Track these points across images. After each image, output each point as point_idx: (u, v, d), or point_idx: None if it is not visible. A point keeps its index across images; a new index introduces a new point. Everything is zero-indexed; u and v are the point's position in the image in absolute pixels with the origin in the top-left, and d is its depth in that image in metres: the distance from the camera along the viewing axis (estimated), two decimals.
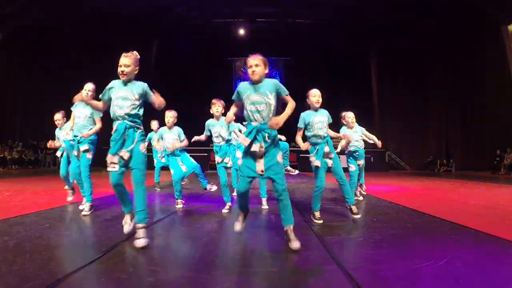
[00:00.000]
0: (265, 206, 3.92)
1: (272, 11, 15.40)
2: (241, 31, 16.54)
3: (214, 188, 4.19)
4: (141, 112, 2.47)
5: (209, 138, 3.76)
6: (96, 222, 3.08)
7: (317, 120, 3.12)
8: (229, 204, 3.73)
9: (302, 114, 3.16)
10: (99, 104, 2.53)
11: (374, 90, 16.54)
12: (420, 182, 8.41)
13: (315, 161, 3.06)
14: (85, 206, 3.46)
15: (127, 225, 2.48)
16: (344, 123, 4.40)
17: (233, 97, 2.42)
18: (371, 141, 4.48)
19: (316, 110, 3.16)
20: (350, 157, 4.31)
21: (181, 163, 4.03)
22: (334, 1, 13.87)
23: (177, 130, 4.02)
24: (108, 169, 2.34)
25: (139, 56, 2.54)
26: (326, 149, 3.08)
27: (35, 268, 1.79)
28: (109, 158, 2.34)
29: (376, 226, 2.99)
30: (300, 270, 1.86)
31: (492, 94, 13.13)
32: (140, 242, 2.20)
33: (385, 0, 13.15)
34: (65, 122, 4.23)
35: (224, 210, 3.66)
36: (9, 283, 1.60)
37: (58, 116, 4.29)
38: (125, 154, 2.32)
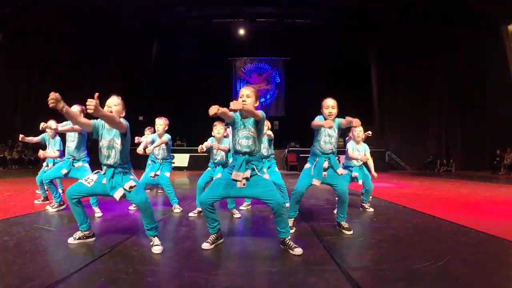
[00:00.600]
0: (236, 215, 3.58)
1: (272, 11, 15.39)
2: (241, 31, 16.53)
3: (177, 210, 3.81)
4: (127, 151, 2.36)
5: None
6: (96, 222, 3.08)
7: (327, 132, 2.82)
8: (199, 209, 3.52)
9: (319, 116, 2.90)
10: (88, 122, 2.32)
11: (374, 90, 16.54)
12: (420, 182, 8.41)
13: (314, 180, 2.79)
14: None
15: (72, 238, 2.39)
16: (351, 136, 4.01)
17: (230, 123, 2.37)
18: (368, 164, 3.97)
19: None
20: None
21: (154, 173, 3.85)
22: (334, 1, 13.87)
23: (166, 137, 3.82)
24: (82, 181, 2.35)
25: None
26: (325, 164, 2.79)
27: (35, 268, 1.79)
28: (91, 175, 2.38)
29: (376, 226, 3.00)
30: (300, 270, 1.86)
31: (492, 94, 13.13)
32: (158, 249, 2.21)
33: (385, 1, 13.15)
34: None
35: (191, 214, 3.51)
36: (9, 283, 1.60)
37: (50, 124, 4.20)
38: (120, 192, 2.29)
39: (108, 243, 2.33)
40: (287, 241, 2.21)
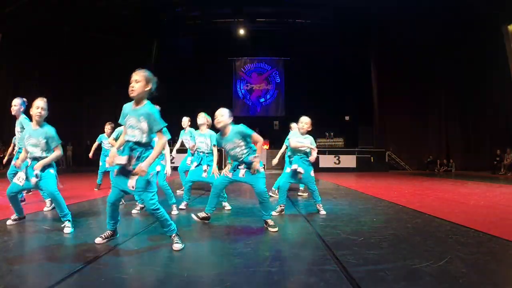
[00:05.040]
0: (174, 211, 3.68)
1: (272, 11, 15.40)
2: (241, 31, 16.54)
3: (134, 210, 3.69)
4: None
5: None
6: (96, 222, 3.08)
7: (229, 147, 2.94)
8: (141, 205, 3.63)
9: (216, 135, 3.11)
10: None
11: (374, 90, 16.53)
12: (420, 182, 8.41)
13: (228, 173, 2.99)
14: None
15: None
16: (299, 128, 3.81)
17: (120, 120, 2.35)
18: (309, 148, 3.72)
19: (224, 134, 2.93)
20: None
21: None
22: (334, 1, 13.87)
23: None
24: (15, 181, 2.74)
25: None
26: (242, 169, 2.94)
27: (35, 268, 1.79)
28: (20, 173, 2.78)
29: (376, 226, 3.00)
30: (300, 270, 1.86)
31: (492, 94, 13.13)
32: (67, 230, 2.66)
33: (385, 0, 13.14)
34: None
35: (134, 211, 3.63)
36: (9, 283, 1.60)
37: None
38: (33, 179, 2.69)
39: (108, 243, 2.32)
40: (173, 237, 2.32)
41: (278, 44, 17.26)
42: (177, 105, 17.16)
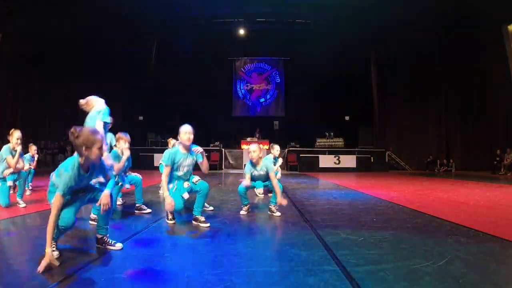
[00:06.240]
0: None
1: (272, 11, 15.39)
2: (241, 31, 16.54)
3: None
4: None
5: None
6: (95, 223, 3.08)
7: (186, 163, 3.06)
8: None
9: (169, 152, 3.09)
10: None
11: (374, 90, 16.53)
12: (420, 182, 8.41)
13: (184, 195, 3.00)
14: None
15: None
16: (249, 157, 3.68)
17: None
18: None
19: (188, 150, 3.07)
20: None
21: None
22: (334, 1, 13.86)
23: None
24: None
25: None
26: (185, 185, 3.03)
27: (35, 268, 1.79)
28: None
29: (376, 226, 3.00)
30: (300, 270, 1.86)
31: (492, 94, 13.13)
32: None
33: (385, 1, 13.13)
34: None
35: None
36: (9, 283, 1.60)
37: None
38: None
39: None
40: (105, 239, 2.27)
41: (278, 44, 17.25)
42: (176, 105, 17.22)
